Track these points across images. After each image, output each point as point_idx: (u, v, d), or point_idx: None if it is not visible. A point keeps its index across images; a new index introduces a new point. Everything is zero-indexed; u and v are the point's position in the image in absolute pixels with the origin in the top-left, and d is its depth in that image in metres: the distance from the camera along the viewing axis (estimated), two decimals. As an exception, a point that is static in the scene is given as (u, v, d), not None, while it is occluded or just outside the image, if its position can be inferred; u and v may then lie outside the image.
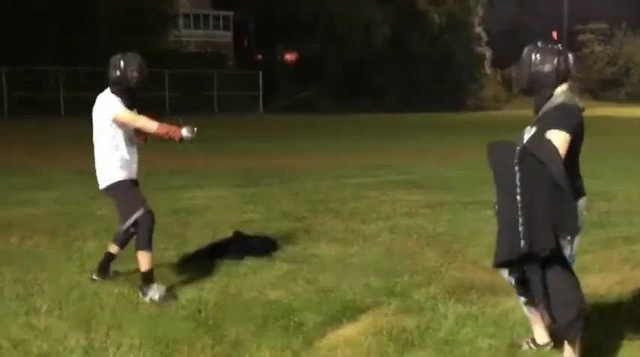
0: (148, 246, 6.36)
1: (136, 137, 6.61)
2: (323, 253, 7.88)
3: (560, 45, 4.82)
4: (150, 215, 6.40)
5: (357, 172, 15.59)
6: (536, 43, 4.79)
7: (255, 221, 9.76)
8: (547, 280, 4.55)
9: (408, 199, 11.68)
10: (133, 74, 6.38)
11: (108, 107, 6.36)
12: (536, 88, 4.73)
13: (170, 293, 6.33)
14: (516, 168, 4.40)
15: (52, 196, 11.96)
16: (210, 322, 5.64)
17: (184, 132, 6.36)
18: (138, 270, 6.46)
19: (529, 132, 4.72)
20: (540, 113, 4.71)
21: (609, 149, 21.03)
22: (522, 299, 5.00)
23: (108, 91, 6.45)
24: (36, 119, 32.99)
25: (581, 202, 4.76)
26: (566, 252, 4.63)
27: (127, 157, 6.50)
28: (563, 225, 4.48)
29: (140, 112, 6.55)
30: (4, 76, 37.54)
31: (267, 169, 15.88)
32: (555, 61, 4.66)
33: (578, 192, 4.73)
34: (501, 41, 68.81)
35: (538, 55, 4.69)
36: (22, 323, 5.61)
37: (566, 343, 4.73)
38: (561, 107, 4.61)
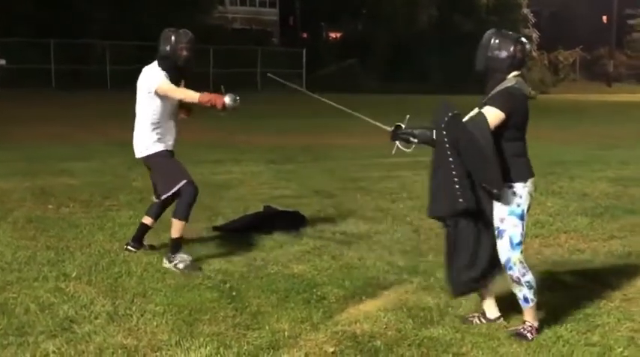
0: (185, 216, 6.45)
1: (181, 112, 6.68)
2: (350, 231, 7.94)
3: (521, 36, 5.10)
4: (193, 186, 6.47)
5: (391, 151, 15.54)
6: (499, 30, 5.05)
7: (286, 197, 9.85)
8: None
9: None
10: (182, 52, 6.44)
11: (152, 79, 6.43)
12: (490, 72, 4.96)
13: (194, 264, 6.42)
14: (443, 132, 4.81)
15: (91, 166, 12.19)
16: (233, 293, 5.75)
17: (227, 100, 6.36)
18: (166, 241, 6.58)
19: (473, 113, 5.02)
20: (488, 96, 4.95)
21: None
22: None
23: (155, 64, 6.51)
24: (83, 92, 33.44)
25: (529, 183, 4.97)
26: (505, 225, 4.90)
27: (166, 131, 6.58)
28: (489, 181, 4.80)
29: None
30: (53, 48, 38.03)
31: (304, 147, 15.97)
32: (512, 49, 4.89)
33: (526, 172, 4.97)
34: (549, 24, 67.78)
35: (497, 41, 4.92)
36: (51, 288, 5.78)
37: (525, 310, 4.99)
38: (504, 91, 4.88)
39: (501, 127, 4.83)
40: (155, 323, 5.09)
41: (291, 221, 7.98)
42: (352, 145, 16.55)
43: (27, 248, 6.95)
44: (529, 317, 5.01)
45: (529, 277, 4.96)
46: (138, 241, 6.95)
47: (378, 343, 4.84)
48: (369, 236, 7.77)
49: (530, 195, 4.98)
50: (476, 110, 5.01)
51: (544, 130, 22.32)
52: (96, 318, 5.17)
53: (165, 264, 6.38)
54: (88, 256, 6.70)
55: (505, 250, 4.94)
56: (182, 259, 6.38)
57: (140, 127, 6.57)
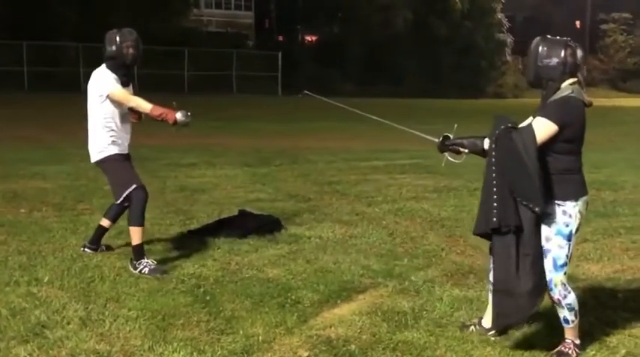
0: (139, 222, 6.44)
1: (130, 116, 6.66)
2: (326, 235, 7.93)
3: (570, 39, 4.72)
4: (142, 190, 6.47)
5: (369, 155, 15.61)
6: (545, 36, 4.72)
7: (261, 201, 9.83)
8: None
9: (416, 183, 11.71)
10: (129, 50, 6.43)
11: (103, 84, 6.42)
12: (544, 81, 4.65)
13: (159, 267, 6.40)
14: (493, 146, 4.57)
15: (63, 170, 12.09)
16: (207, 298, 5.72)
17: (178, 116, 6.40)
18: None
19: (525, 123, 4.74)
20: (543, 106, 4.67)
21: (621, 139, 20.97)
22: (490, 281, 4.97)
23: (103, 66, 6.50)
24: (55, 94, 33.15)
25: (580, 202, 4.68)
26: (550, 245, 4.64)
27: (120, 133, 6.56)
28: (528, 197, 4.51)
29: (136, 87, 6.67)
30: (25, 50, 37.71)
31: (280, 150, 15.94)
32: (562, 54, 4.57)
33: (578, 189, 4.70)
34: (523, 28, 68.27)
35: (545, 49, 4.61)
36: (23, 293, 5.71)
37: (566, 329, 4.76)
38: (560, 100, 4.58)
39: (554, 139, 4.53)
40: (128, 328, 5.04)
41: (266, 225, 7.96)
42: (329, 148, 16.56)
43: (-2, 253, 6.86)
44: (570, 335, 4.80)
45: (570, 299, 4.70)
46: (95, 242, 6.95)
47: (353, 347, 4.83)
48: (344, 240, 7.76)
49: (581, 214, 4.69)
50: (529, 120, 4.74)
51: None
52: (68, 323, 5.11)
53: (132, 271, 6.34)
54: (61, 261, 6.63)
55: (548, 271, 4.67)
56: (146, 264, 6.36)
57: (93, 131, 6.56)
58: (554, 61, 4.57)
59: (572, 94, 4.58)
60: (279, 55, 48.44)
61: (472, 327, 5.18)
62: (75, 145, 15.76)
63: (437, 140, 5.07)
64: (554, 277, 4.66)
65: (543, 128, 4.51)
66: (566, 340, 4.81)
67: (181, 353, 4.63)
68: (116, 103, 6.45)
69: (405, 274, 6.48)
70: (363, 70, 52.04)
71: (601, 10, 69.76)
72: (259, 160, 14.32)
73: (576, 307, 4.73)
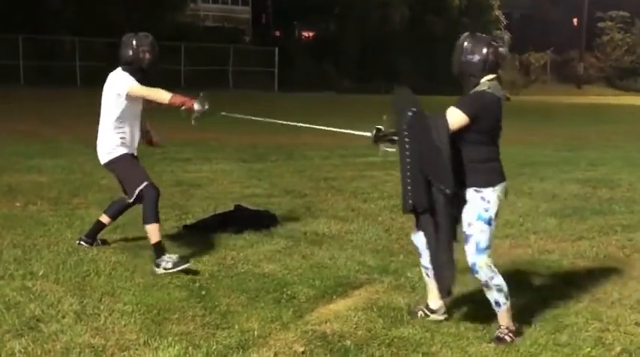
0: (154, 219, 6.40)
1: (148, 104, 6.65)
2: (322, 230, 7.93)
3: (499, 37, 4.95)
4: (153, 188, 6.46)
5: (366, 151, 15.49)
6: (473, 33, 5.00)
7: (257, 196, 9.83)
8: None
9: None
10: (145, 55, 6.43)
11: (121, 82, 6.41)
12: (466, 76, 4.92)
13: (182, 259, 6.31)
14: (405, 130, 4.80)
15: (59, 164, 12.07)
16: (203, 293, 5.72)
17: (196, 105, 6.34)
18: (134, 239, 6.53)
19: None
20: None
21: (617, 137, 20.99)
22: (422, 263, 5.26)
23: (119, 69, 6.50)
24: (52, 88, 33.09)
25: (498, 188, 4.91)
26: (472, 230, 4.90)
27: (130, 134, 6.58)
28: (440, 180, 4.75)
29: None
30: (21, 43, 37.60)
31: (276, 146, 15.94)
32: (484, 52, 4.84)
33: (495, 177, 4.93)
34: (520, 26, 68.33)
35: (470, 45, 4.88)
36: (18, 286, 5.70)
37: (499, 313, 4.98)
38: (475, 94, 4.86)
39: (467, 130, 4.79)
40: (123, 322, 5.03)
41: (261, 220, 7.96)
42: (325, 144, 16.52)
43: (-7, 246, 6.85)
44: (503, 321, 4.97)
45: (498, 280, 4.93)
46: (91, 237, 6.95)
47: (348, 342, 4.83)
48: (340, 236, 7.76)
49: (499, 199, 4.92)
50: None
51: (515, 132, 22.49)
52: (63, 317, 5.10)
53: (157, 271, 6.23)
54: (56, 255, 6.62)
55: (471, 255, 4.93)
56: (169, 259, 6.27)
57: (104, 132, 6.55)
58: (477, 57, 4.85)
59: (487, 90, 4.84)
60: (276, 50, 48.39)
61: (420, 312, 5.32)
62: (71, 139, 15.82)
63: (370, 134, 5.19)
64: (478, 260, 4.92)
65: (454, 118, 4.77)
66: (501, 327, 4.98)
67: (176, 347, 4.61)
68: (132, 101, 6.44)
69: (400, 270, 6.48)
70: (359, 67, 52.06)
71: (598, 7, 69.75)
72: (255, 155, 14.33)
73: (505, 289, 4.95)
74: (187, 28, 47.58)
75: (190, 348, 4.63)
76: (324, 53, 51.17)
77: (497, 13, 63.09)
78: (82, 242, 6.93)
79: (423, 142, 4.75)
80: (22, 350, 4.52)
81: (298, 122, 7.61)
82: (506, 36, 54.56)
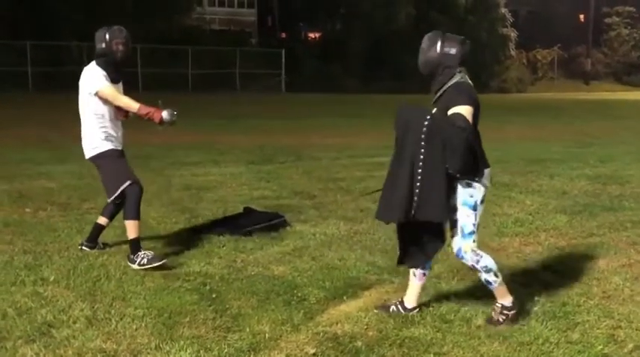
0: (135, 215, 6.51)
1: (117, 113, 6.68)
2: (331, 231, 7.93)
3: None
4: (137, 186, 6.53)
5: (374, 151, 15.57)
6: (441, 32, 5.18)
7: (266, 198, 9.83)
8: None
9: (422, 179, 11.66)
10: (118, 47, 6.50)
11: (92, 81, 6.47)
12: (441, 68, 5.05)
13: (157, 256, 6.44)
14: (423, 143, 4.82)
15: (68, 169, 12.08)
16: (213, 296, 5.72)
17: (164, 115, 6.49)
18: (142, 239, 6.56)
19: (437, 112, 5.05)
20: (440, 92, 5.06)
21: (626, 133, 20.92)
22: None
23: (93, 63, 6.56)
24: (60, 94, 33.13)
25: (486, 173, 5.06)
26: (457, 215, 5.03)
27: (112, 129, 6.61)
28: (455, 168, 4.86)
29: (126, 85, 6.72)
30: (29, 49, 37.74)
31: (284, 147, 15.94)
32: (460, 46, 5.08)
33: (484, 163, 5.07)
34: (527, 23, 68.16)
35: (445, 40, 5.07)
36: (29, 292, 5.71)
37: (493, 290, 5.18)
38: (459, 85, 5.01)
39: None
40: (134, 327, 5.04)
41: (271, 222, 7.95)
42: (333, 145, 16.55)
43: (4, 252, 6.87)
44: (498, 297, 5.18)
45: (484, 261, 5.07)
46: (92, 240, 7.00)
47: (359, 343, 4.82)
48: (349, 236, 7.75)
49: (485, 186, 5.05)
50: (434, 110, 5.05)
51: (523, 129, 22.47)
52: (74, 322, 5.11)
53: (131, 266, 6.35)
54: (67, 260, 6.64)
55: (456, 240, 5.08)
56: (144, 255, 6.38)
57: (86, 128, 6.60)
58: (454, 50, 5.06)
59: (467, 79, 5.09)
60: (283, 52, 48.45)
61: (392, 307, 5.42)
62: (80, 144, 15.80)
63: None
64: (463, 244, 5.05)
65: (467, 113, 4.87)
66: (496, 304, 5.18)
67: (188, 351, 4.62)
68: (104, 101, 6.49)
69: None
70: (365, 66, 52.06)
71: (605, 3, 69.59)
72: (264, 157, 14.32)
73: (494, 268, 5.09)
74: (194, 31, 47.74)
75: (202, 351, 4.63)
76: (331, 54, 51.19)
77: (503, 11, 63.00)
78: (84, 247, 6.97)
79: (440, 152, 4.81)
80: (34, 356, 4.54)
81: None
82: (513, 33, 54.36)
